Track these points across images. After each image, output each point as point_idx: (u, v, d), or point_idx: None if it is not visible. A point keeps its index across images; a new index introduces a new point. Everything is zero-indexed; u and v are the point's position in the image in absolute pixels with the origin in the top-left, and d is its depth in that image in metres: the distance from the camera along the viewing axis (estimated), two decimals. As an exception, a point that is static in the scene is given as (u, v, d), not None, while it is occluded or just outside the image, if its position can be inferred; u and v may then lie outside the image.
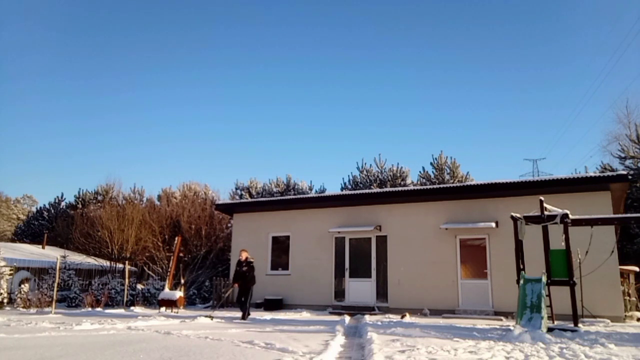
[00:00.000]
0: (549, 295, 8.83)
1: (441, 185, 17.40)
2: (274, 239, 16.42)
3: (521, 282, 8.81)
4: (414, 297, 13.57)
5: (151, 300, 15.67)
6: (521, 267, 9.19)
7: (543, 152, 74.48)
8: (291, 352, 5.69)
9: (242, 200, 22.02)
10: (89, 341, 6.65)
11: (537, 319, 8.04)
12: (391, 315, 12.52)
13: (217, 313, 12.71)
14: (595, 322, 10.63)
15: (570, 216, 8.91)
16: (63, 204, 30.00)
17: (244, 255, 11.65)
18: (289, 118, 68.51)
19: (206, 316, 11.01)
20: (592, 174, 14.34)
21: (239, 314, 11.33)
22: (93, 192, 29.42)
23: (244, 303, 11.18)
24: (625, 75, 50.81)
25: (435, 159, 24.46)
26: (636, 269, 13.43)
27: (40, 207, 30.89)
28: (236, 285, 11.54)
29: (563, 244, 8.77)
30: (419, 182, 24.52)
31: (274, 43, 61.41)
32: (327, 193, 23.23)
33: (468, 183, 16.80)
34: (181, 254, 15.40)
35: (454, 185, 16.08)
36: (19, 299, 14.51)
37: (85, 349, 5.90)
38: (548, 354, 5.74)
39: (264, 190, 26.61)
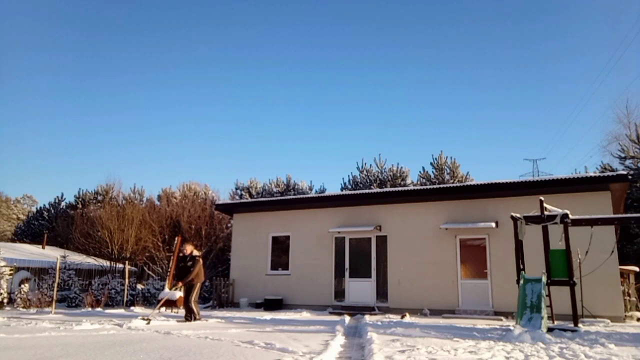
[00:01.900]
0: (549, 295, 8.83)
1: (441, 185, 17.39)
2: (274, 239, 16.42)
3: (521, 282, 8.81)
4: (414, 297, 13.57)
5: (151, 300, 15.66)
6: (521, 267, 9.19)
7: (543, 152, 74.51)
8: (291, 352, 5.69)
9: (242, 200, 22.02)
10: (89, 341, 6.65)
11: (537, 319, 8.05)
12: (391, 315, 12.52)
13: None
14: (595, 322, 10.63)
15: (570, 216, 8.90)
16: (63, 204, 30.00)
17: (188, 249, 10.76)
18: (289, 118, 68.57)
19: (143, 318, 9.80)
20: (592, 174, 14.33)
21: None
22: (93, 192, 29.43)
23: (188, 302, 10.27)
24: (625, 75, 50.85)
25: (435, 159, 24.46)
26: (636, 269, 13.42)
27: (40, 207, 30.90)
28: (181, 283, 10.44)
29: (561, 243, 8.77)
30: (419, 182, 24.52)
31: (273, 43, 61.45)
32: (327, 193, 23.23)
33: (468, 183, 16.80)
34: (181, 254, 15.37)
35: (454, 185, 16.07)
36: (19, 299, 14.50)
37: (85, 349, 5.90)
38: (548, 354, 5.75)
39: (264, 190, 26.62)
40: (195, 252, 10.77)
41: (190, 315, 10.18)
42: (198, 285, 10.49)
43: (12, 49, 55.11)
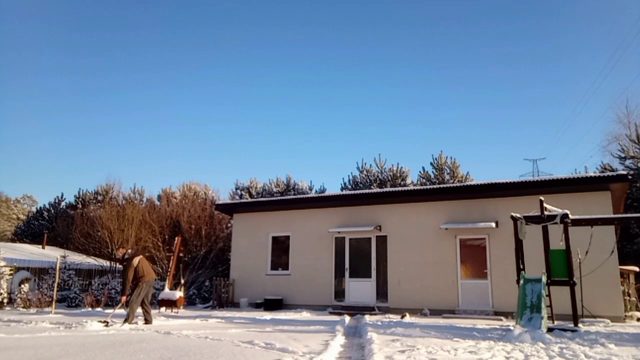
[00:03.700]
0: (549, 295, 8.83)
1: (441, 185, 17.39)
2: (274, 239, 16.42)
3: (521, 282, 8.81)
4: (414, 297, 13.57)
5: (151, 301, 15.66)
6: (521, 267, 9.19)
7: (543, 152, 74.49)
8: (291, 352, 5.69)
9: (242, 200, 22.02)
10: (89, 341, 6.65)
11: (537, 319, 8.05)
12: (391, 315, 12.53)
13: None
14: (595, 322, 10.63)
15: (570, 216, 8.90)
16: (63, 204, 30.00)
17: (120, 253, 10.13)
18: (289, 118, 68.58)
19: (100, 321, 9.15)
20: (592, 174, 14.33)
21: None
22: (93, 192, 29.41)
23: (130, 301, 9.42)
24: (625, 75, 50.83)
25: (435, 159, 24.45)
26: (636, 269, 13.42)
27: (40, 207, 30.90)
28: (124, 298, 9.51)
29: (562, 243, 8.77)
30: (419, 182, 24.52)
31: (274, 43, 61.46)
32: (327, 193, 23.22)
33: (468, 183, 16.79)
34: (181, 254, 15.39)
35: (454, 185, 16.08)
36: (19, 299, 14.50)
37: (85, 349, 5.90)
38: (548, 354, 5.75)
39: (264, 190, 26.61)
40: (128, 253, 10.00)
41: (127, 317, 9.39)
42: (141, 286, 9.47)
43: (13, 49, 55.15)
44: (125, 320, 9.32)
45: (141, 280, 9.50)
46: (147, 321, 9.61)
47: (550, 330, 7.97)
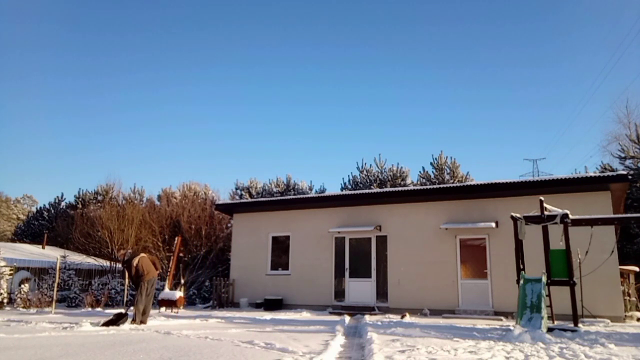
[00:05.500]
0: (549, 295, 8.84)
1: (441, 185, 17.39)
2: (274, 239, 16.42)
3: (521, 282, 8.82)
4: (414, 297, 13.57)
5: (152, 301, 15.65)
6: (521, 267, 9.20)
7: (543, 152, 74.46)
8: (291, 352, 5.69)
9: (242, 200, 22.03)
10: (89, 341, 6.66)
11: (537, 319, 8.05)
12: (391, 315, 12.53)
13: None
14: (595, 322, 10.63)
15: (570, 216, 8.91)
16: (63, 204, 30.01)
17: (121, 254, 10.41)
18: (289, 118, 68.58)
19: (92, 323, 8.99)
20: (592, 174, 14.34)
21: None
22: (93, 192, 29.42)
23: (134, 304, 9.45)
24: (625, 75, 50.83)
25: (435, 159, 24.46)
26: (636, 269, 13.43)
27: (40, 207, 30.90)
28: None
29: (562, 243, 8.77)
30: (419, 182, 24.52)
31: (273, 43, 61.46)
32: (327, 193, 23.22)
33: (468, 183, 16.79)
34: (181, 254, 15.40)
35: (454, 185, 16.08)
36: (19, 299, 14.50)
37: (85, 349, 5.90)
38: (548, 354, 5.75)
39: (264, 190, 26.62)
40: (128, 252, 10.20)
41: (134, 318, 9.36)
42: (144, 285, 9.44)
43: (12, 49, 55.15)
44: (133, 320, 9.31)
45: (142, 279, 9.47)
46: (140, 321, 9.38)
47: (550, 330, 7.97)
